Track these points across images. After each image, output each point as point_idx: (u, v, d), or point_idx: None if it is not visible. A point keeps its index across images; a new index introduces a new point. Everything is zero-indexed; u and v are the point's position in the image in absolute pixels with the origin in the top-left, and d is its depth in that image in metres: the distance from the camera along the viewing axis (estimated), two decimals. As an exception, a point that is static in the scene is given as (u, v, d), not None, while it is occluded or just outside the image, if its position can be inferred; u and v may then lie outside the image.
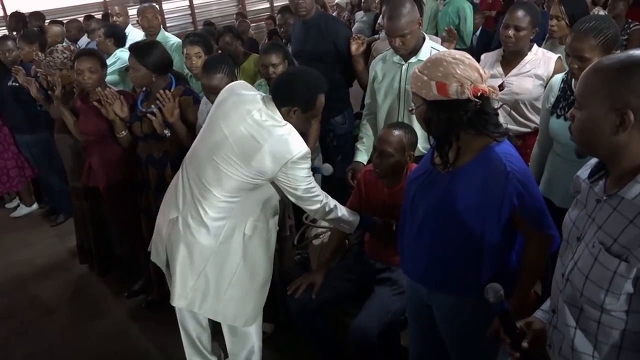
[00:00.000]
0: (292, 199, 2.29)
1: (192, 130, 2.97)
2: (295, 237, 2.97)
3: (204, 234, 2.22)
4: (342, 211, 2.37)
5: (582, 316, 1.27)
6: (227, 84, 2.54)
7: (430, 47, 2.83)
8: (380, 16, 7.14)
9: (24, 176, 5.07)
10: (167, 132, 2.94)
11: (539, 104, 2.82)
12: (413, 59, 2.80)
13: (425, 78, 1.66)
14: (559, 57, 2.83)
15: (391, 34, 2.73)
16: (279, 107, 2.18)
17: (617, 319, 1.21)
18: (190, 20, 10.86)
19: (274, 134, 2.12)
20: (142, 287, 3.61)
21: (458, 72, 1.62)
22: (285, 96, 2.18)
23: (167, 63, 3.04)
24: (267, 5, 11.98)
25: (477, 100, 1.63)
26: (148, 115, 2.91)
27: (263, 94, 2.26)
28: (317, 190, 2.27)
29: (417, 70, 1.71)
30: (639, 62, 1.13)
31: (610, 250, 1.19)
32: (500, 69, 2.89)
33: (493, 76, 2.86)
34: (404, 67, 2.83)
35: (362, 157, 3.02)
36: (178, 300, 2.30)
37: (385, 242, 2.45)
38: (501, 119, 2.83)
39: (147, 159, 3.08)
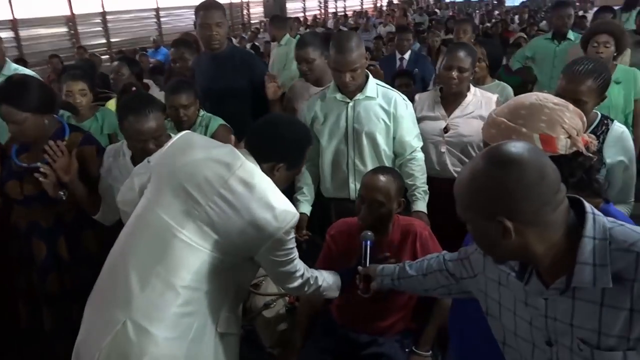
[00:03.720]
0: (272, 277, 1.70)
1: (95, 188, 2.17)
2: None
3: (169, 340, 1.47)
4: (322, 278, 1.79)
5: None
6: (162, 123, 1.96)
7: (376, 84, 2.44)
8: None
9: None
10: (62, 193, 2.09)
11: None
12: (359, 96, 2.38)
13: (525, 130, 1.21)
14: (498, 98, 2.64)
15: (342, 69, 2.28)
16: (260, 162, 1.58)
17: None
18: (17, 54, 9.17)
19: (260, 198, 1.50)
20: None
21: (566, 120, 1.21)
22: (270, 150, 1.59)
23: (51, 98, 2.15)
24: (104, 40, 10.70)
25: (591, 155, 1.22)
26: (35, 174, 2.04)
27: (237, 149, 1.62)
28: (299, 263, 1.69)
29: (506, 121, 1.25)
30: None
31: (600, 346, 0.98)
32: (442, 111, 2.59)
33: (435, 118, 2.59)
34: (350, 104, 2.39)
35: (305, 208, 2.48)
36: None
37: (364, 306, 1.91)
38: (448, 162, 2.63)
39: (29, 228, 2.19)
